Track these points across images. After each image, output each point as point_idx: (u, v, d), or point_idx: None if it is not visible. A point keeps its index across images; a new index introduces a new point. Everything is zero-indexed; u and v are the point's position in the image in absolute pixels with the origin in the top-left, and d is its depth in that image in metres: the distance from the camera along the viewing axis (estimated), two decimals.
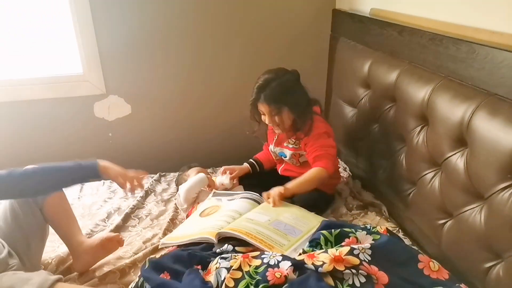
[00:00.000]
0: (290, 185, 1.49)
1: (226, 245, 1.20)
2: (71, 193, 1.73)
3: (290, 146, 1.63)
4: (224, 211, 1.42)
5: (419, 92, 1.34)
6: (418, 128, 1.38)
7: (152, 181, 1.90)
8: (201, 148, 2.19)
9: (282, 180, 1.73)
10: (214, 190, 1.63)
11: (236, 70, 2.07)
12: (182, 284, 1.02)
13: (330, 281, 0.99)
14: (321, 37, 2.07)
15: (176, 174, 1.91)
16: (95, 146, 2.06)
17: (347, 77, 1.83)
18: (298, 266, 1.03)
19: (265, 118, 1.55)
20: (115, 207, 1.68)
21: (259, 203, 1.47)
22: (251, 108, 1.56)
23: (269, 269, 1.03)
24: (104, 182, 1.88)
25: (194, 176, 1.65)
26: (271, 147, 1.72)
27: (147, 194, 1.80)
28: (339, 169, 1.82)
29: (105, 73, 1.93)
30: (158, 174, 1.96)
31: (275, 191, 1.45)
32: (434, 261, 1.08)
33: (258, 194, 1.52)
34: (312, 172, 1.50)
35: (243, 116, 2.14)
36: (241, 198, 1.51)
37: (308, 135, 1.55)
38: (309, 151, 1.57)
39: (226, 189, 1.69)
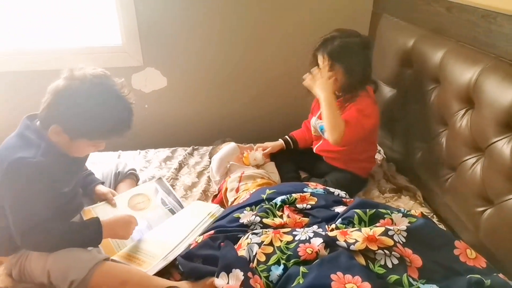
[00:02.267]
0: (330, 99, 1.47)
1: (253, 217, 1.21)
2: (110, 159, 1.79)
3: None
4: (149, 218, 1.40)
5: (466, 73, 1.27)
6: (462, 111, 1.31)
7: (186, 154, 1.93)
8: (235, 125, 2.20)
9: (315, 159, 1.73)
10: (159, 179, 1.61)
11: (277, 47, 2.04)
12: (219, 254, 1.05)
13: (361, 260, 0.99)
14: (362, 13, 2.00)
15: (209, 148, 1.93)
16: None
17: (387, 55, 1.76)
18: (329, 243, 1.03)
19: None
20: (149, 176, 1.73)
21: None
22: (311, 58, 1.55)
23: (301, 244, 1.04)
24: (140, 152, 1.94)
25: (225, 146, 1.67)
26: (313, 120, 1.69)
27: (180, 166, 1.84)
28: (375, 154, 1.78)
29: (143, 45, 1.95)
30: (191, 147, 2.00)
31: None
32: (471, 248, 1.04)
33: (179, 205, 1.50)
34: (338, 122, 1.45)
35: (283, 97, 2.15)
36: (166, 208, 1.49)
37: (350, 102, 1.51)
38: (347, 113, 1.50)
39: (257, 166, 1.70)
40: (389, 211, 1.10)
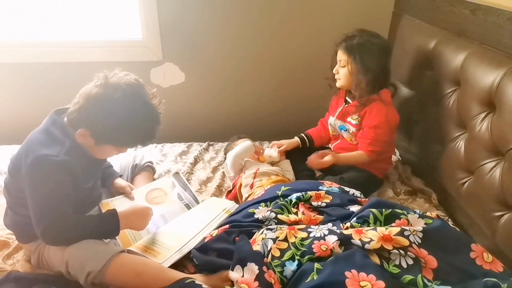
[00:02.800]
0: (340, 158, 1.61)
1: (268, 212, 1.22)
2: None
3: (353, 122, 1.61)
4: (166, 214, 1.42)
5: (488, 76, 1.25)
6: (483, 115, 1.30)
7: (201, 149, 1.95)
8: (250, 121, 2.21)
9: None
10: (176, 173, 1.63)
11: (296, 46, 2.04)
12: (235, 248, 1.06)
13: (376, 259, 0.99)
14: (383, 14, 1.98)
15: (225, 144, 1.95)
16: None
17: (407, 57, 1.75)
18: (344, 241, 1.03)
19: (337, 68, 1.56)
20: (165, 169, 1.76)
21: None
22: (333, 54, 1.59)
23: (315, 241, 1.04)
24: (156, 145, 1.96)
25: (241, 143, 1.68)
26: (332, 119, 1.70)
27: (196, 161, 1.86)
28: (392, 155, 1.77)
29: (163, 40, 1.97)
30: (206, 143, 2.01)
31: (328, 158, 1.59)
32: (487, 251, 1.03)
33: (195, 200, 1.52)
34: (356, 154, 1.59)
35: (300, 94, 2.15)
36: (183, 203, 1.50)
37: (364, 106, 1.54)
38: (363, 137, 1.57)
39: (272, 163, 1.71)
40: (405, 212, 1.10)
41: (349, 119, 1.63)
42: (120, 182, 1.48)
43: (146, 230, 1.34)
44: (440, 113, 1.53)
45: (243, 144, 1.68)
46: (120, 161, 1.60)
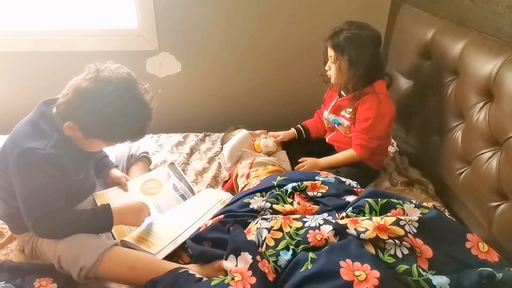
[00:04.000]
0: (323, 162, 1.61)
1: (264, 202, 1.21)
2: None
3: (347, 115, 1.59)
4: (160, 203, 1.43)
5: (487, 65, 1.24)
6: (481, 104, 1.29)
7: (197, 140, 1.94)
8: (247, 111, 2.19)
9: (327, 149, 1.72)
10: (171, 164, 1.63)
11: (291, 34, 2.02)
12: (229, 238, 1.05)
13: (371, 249, 0.98)
14: (381, 2, 1.95)
15: (221, 134, 1.94)
16: None
17: (406, 47, 1.73)
18: (339, 230, 1.02)
19: (329, 64, 1.54)
20: (161, 160, 1.75)
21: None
22: (323, 50, 1.56)
23: (310, 231, 1.04)
24: (152, 136, 1.95)
25: (238, 134, 1.67)
26: (326, 113, 1.69)
27: (192, 151, 1.85)
28: (389, 147, 1.76)
29: (159, 29, 1.95)
30: (203, 134, 2.00)
31: (310, 162, 1.60)
32: (483, 241, 1.03)
33: (191, 191, 1.51)
34: (347, 154, 1.58)
35: (296, 85, 2.13)
36: (178, 194, 1.50)
37: (357, 100, 1.51)
38: (355, 131, 1.55)
39: (269, 153, 1.70)
40: (401, 202, 1.09)
41: (342, 112, 1.61)
42: (115, 172, 1.47)
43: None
44: (439, 103, 1.52)
45: (240, 134, 1.67)
46: (116, 151, 1.59)
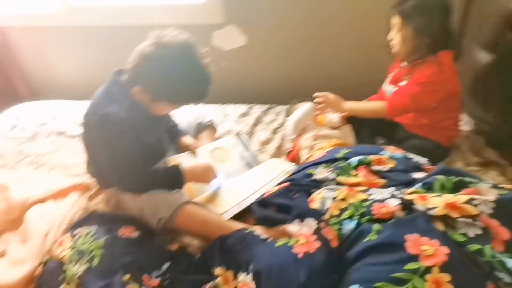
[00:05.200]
0: (348, 104, 1.60)
1: (328, 173, 1.22)
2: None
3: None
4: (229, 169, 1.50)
5: None
6: None
7: (262, 111, 1.98)
8: (313, 85, 2.15)
9: (393, 126, 1.67)
10: (239, 132, 1.68)
11: (360, 7, 1.95)
12: (294, 204, 1.09)
13: (440, 226, 0.96)
14: None
15: (285, 107, 1.95)
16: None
17: (488, 17, 1.58)
18: (406, 205, 1.00)
19: (392, 33, 1.50)
20: (226, 129, 1.82)
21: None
22: (389, 19, 1.51)
23: (375, 203, 1.03)
24: (218, 106, 2.02)
25: (303, 106, 1.67)
26: (385, 84, 1.64)
27: (256, 122, 1.90)
28: (459, 122, 1.66)
29: (227, 2, 1.97)
30: (267, 105, 2.03)
31: (335, 97, 1.60)
32: None
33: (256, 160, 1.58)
34: (375, 105, 1.59)
35: (363, 59, 2.06)
36: (244, 162, 1.55)
37: (416, 67, 1.45)
38: (399, 89, 1.51)
39: (333, 127, 1.69)
40: (476, 181, 1.04)
41: (401, 83, 1.55)
42: (186, 140, 1.57)
43: (208, 186, 1.43)
44: None
45: (306, 106, 1.68)
46: (185, 120, 1.68)
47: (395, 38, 1.48)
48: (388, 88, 1.63)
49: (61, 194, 1.39)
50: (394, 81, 1.60)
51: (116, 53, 2.14)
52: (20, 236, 1.24)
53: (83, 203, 1.38)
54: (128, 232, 1.19)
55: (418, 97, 1.45)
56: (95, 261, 1.06)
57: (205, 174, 1.35)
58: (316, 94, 1.60)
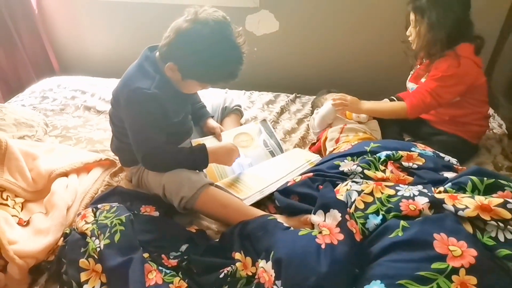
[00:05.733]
0: (366, 105, 1.55)
1: (355, 166, 1.20)
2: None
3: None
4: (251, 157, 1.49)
5: None
6: None
7: (288, 100, 1.96)
8: (341, 76, 2.14)
9: (420, 122, 1.62)
10: (263, 120, 1.65)
11: (397, 7, 1.87)
12: (318, 194, 1.07)
13: (468, 227, 0.92)
14: None
15: (312, 97, 1.92)
16: None
17: None
18: (435, 203, 0.97)
19: (410, 29, 1.47)
20: (252, 116, 1.81)
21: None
22: (406, 15, 1.49)
23: (403, 200, 1.00)
24: (245, 92, 2.01)
25: (322, 108, 1.64)
26: (407, 82, 1.60)
27: (282, 111, 1.88)
28: (488, 118, 1.60)
29: None
30: (294, 95, 2.01)
31: (352, 98, 1.56)
32: None
33: (280, 148, 1.56)
34: (395, 105, 1.55)
35: (390, 53, 2.00)
36: (267, 150, 1.53)
37: (434, 61, 1.42)
38: (419, 86, 1.47)
39: (360, 122, 1.65)
40: (511, 184, 1.00)
41: (422, 80, 1.51)
42: (211, 123, 1.56)
43: (231, 170, 1.42)
44: None
45: (325, 108, 1.63)
46: (212, 102, 1.68)
47: (412, 34, 1.46)
48: (409, 85, 1.60)
49: (85, 168, 1.41)
50: (414, 79, 1.57)
51: (148, 30, 2.16)
52: (44, 207, 1.26)
53: (106, 179, 1.39)
54: (148, 210, 1.19)
55: (437, 93, 1.41)
56: (116, 237, 1.07)
57: (229, 156, 1.34)
58: (333, 97, 1.56)
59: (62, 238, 1.14)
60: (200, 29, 1.12)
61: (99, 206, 1.21)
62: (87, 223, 1.15)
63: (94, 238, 1.09)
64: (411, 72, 1.58)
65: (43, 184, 1.31)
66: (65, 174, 1.36)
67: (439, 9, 1.35)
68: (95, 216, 1.17)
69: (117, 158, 1.46)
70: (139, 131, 1.21)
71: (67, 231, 1.16)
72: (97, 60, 2.42)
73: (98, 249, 1.04)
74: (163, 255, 1.08)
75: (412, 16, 1.44)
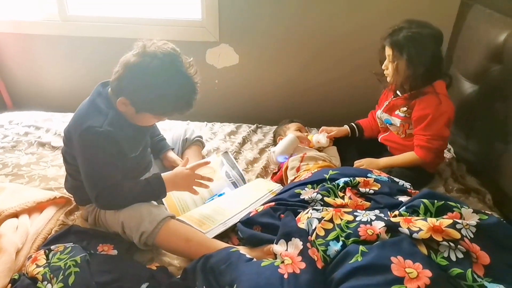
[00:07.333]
0: (383, 161, 1.57)
1: (315, 194, 1.22)
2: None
3: (401, 115, 1.56)
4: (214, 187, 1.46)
5: None
6: None
7: (249, 131, 1.98)
8: (301, 106, 2.21)
9: (380, 149, 1.69)
10: (225, 152, 1.67)
11: (350, 34, 2.01)
12: (280, 223, 1.08)
13: (423, 249, 0.96)
14: (450, 2, 1.88)
15: (273, 127, 1.96)
16: (202, 90, 2.19)
17: (473, 49, 1.65)
18: (391, 227, 1.01)
19: (386, 64, 1.52)
20: (214, 147, 1.81)
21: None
22: (380, 49, 1.53)
23: (361, 225, 1.03)
24: (206, 124, 2.02)
25: (285, 138, 1.68)
26: (379, 112, 1.66)
27: (244, 141, 1.90)
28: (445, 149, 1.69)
29: (221, 21, 2.01)
30: (255, 125, 2.04)
31: (367, 160, 1.57)
32: None
33: (242, 179, 1.56)
34: (408, 157, 1.53)
35: (351, 84, 2.11)
36: (230, 181, 1.54)
37: (415, 99, 1.48)
38: (417, 134, 1.51)
39: (320, 149, 1.70)
40: (458, 205, 1.06)
41: (396, 112, 1.58)
42: (171, 155, 1.54)
43: (193, 203, 1.40)
44: (507, 109, 1.44)
45: (288, 138, 1.68)
46: (172, 134, 1.67)
47: (389, 68, 1.50)
48: (382, 116, 1.65)
49: (38, 207, 1.34)
50: (388, 110, 1.62)
51: (104, 65, 2.13)
52: None
53: (61, 218, 1.33)
54: (106, 249, 1.14)
55: (438, 135, 1.46)
56: (70, 280, 1.01)
57: (187, 180, 1.29)
58: (355, 164, 1.58)
59: (9, 285, 1.06)
60: (149, 62, 1.11)
61: (52, 247, 1.14)
62: (38, 266, 1.08)
63: (46, 282, 1.02)
64: (386, 103, 1.62)
65: None
66: (15, 215, 1.29)
67: (417, 46, 1.40)
68: (47, 259, 1.10)
69: (71, 196, 1.40)
70: (92, 171, 1.17)
71: (16, 277, 1.08)
72: (53, 95, 2.36)
73: None
74: None
75: (388, 51, 1.47)
